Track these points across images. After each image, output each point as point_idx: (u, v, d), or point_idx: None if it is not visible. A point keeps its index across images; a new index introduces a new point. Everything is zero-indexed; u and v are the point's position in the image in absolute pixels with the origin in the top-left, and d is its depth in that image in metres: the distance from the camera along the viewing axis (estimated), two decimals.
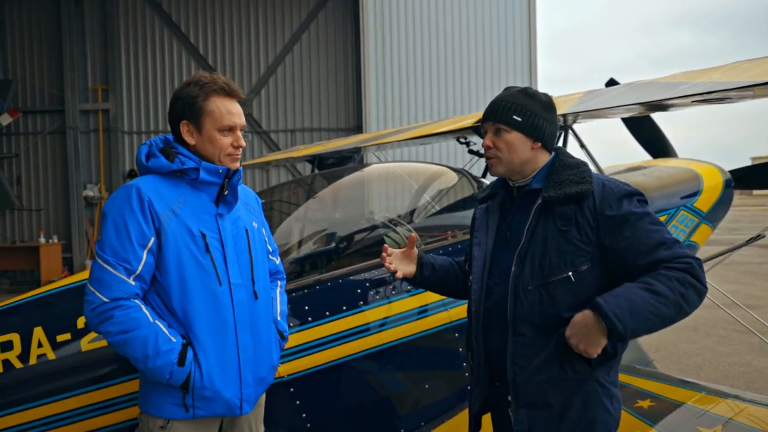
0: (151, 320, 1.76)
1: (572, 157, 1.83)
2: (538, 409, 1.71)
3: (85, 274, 2.23)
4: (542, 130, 1.78)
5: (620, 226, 1.65)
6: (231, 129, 1.89)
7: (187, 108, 1.87)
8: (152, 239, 1.78)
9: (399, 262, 2.00)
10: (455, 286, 2.06)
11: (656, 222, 1.68)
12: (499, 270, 1.80)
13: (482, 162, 4.84)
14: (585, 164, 1.79)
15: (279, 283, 2.21)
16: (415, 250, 2.01)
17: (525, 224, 1.74)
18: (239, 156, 1.94)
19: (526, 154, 1.79)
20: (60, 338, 2.19)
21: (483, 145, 1.85)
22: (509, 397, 1.75)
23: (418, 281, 2.05)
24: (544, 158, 1.82)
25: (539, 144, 1.79)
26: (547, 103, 1.82)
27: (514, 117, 1.76)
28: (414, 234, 2.07)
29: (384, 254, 1.98)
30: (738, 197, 5.14)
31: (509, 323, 1.72)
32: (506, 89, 1.87)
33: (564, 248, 1.68)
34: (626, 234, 1.64)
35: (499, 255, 1.82)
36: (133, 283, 1.76)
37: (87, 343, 2.19)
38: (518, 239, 1.75)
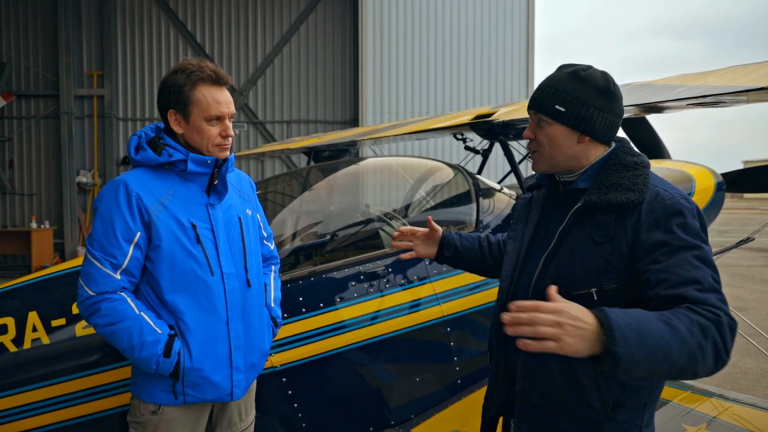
0: (137, 312, 1.77)
1: (633, 155, 1.53)
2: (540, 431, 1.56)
3: (80, 260, 2.24)
4: (592, 122, 1.49)
5: (657, 248, 1.37)
6: (219, 118, 1.86)
7: (173, 97, 1.84)
8: (138, 234, 1.79)
9: (422, 244, 1.99)
10: (482, 267, 1.99)
11: (705, 258, 1.36)
12: (529, 270, 1.60)
13: (478, 159, 4.90)
14: (645, 166, 1.52)
15: (273, 267, 2.22)
16: (439, 231, 1.98)
17: (560, 226, 1.52)
18: (228, 145, 1.91)
19: (571, 150, 1.53)
20: (55, 323, 2.20)
21: (524, 136, 1.60)
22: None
23: (442, 261, 2.02)
24: (597, 153, 1.55)
25: (587, 138, 1.52)
26: (602, 88, 1.50)
27: (557, 107, 1.49)
28: (430, 216, 2.05)
29: (397, 240, 1.99)
30: (729, 200, 5.19)
31: None
32: (558, 68, 1.57)
33: (593, 262, 1.43)
34: (661, 259, 1.35)
35: (532, 253, 1.61)
36: (119, 277, 1.78)
37: (82, 328, 2.20)
38: (550, 241, 1.54)
